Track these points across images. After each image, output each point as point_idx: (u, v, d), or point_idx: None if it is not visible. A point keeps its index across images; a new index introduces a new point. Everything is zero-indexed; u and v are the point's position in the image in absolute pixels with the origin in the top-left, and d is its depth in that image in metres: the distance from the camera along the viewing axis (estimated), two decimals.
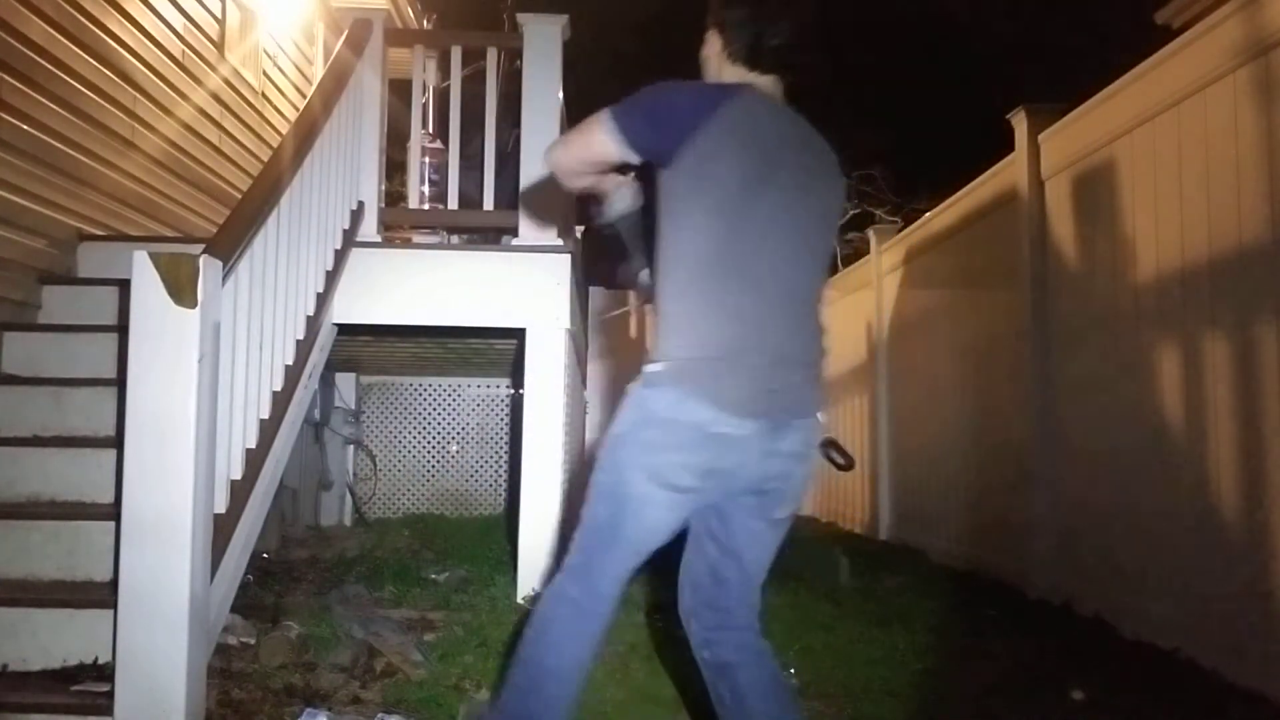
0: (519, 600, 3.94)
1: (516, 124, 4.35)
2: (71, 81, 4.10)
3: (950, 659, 3.53)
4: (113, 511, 2.66)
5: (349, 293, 4.07)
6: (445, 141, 4.46)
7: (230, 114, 5.66)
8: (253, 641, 3.18)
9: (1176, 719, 3.00)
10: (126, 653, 2.44)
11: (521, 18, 4.33)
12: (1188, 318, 3.62)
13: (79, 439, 3.30)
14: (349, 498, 6.52)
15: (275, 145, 3.86)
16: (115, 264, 3.49)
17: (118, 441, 2.62)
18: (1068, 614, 4.22)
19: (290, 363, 3.47)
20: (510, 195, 4.37)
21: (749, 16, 2.01)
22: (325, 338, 3.96)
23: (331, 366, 5.79)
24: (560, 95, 4.32)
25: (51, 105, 3.98)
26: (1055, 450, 4.55)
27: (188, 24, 5.10)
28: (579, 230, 5.69)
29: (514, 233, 4.32)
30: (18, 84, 3.79)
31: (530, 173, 4.16)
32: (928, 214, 6.54)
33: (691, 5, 2.10)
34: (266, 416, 3.22)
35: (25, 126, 3.84)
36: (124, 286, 2.62)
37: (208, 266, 2.55)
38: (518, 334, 4.27)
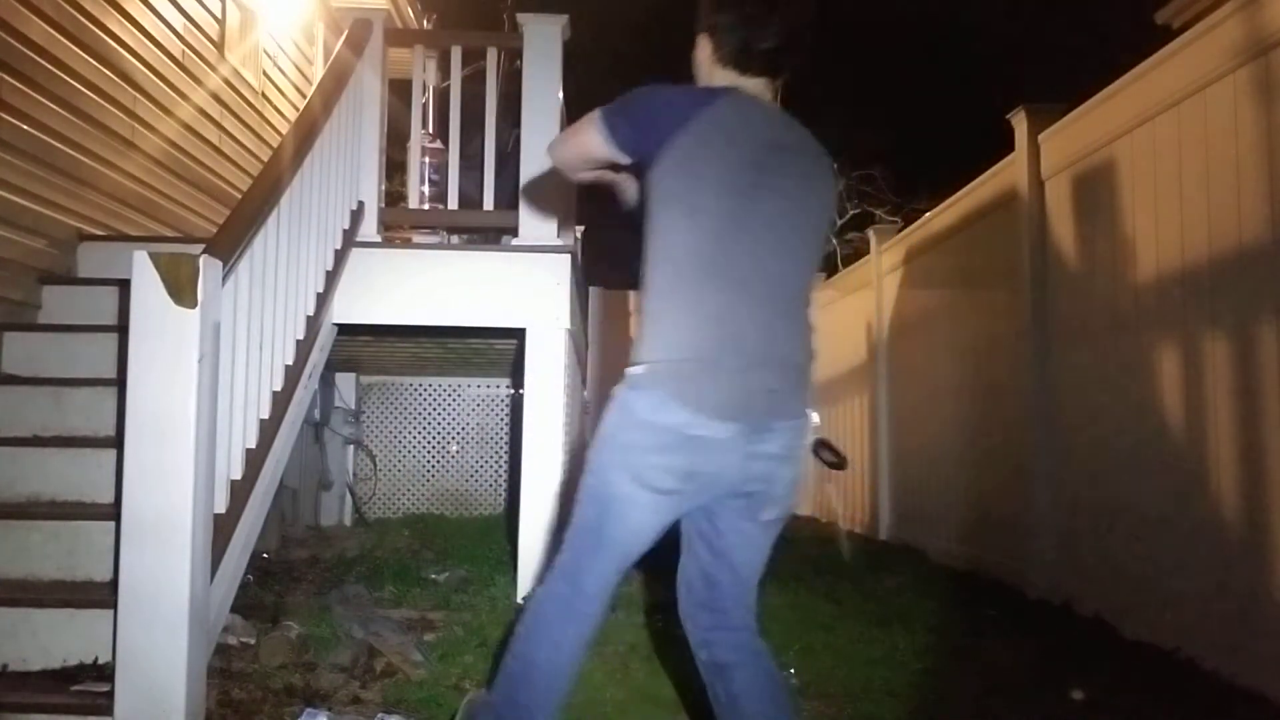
0: (519, 600, 3.94)
1: (516, 124, 4.35)
2: (71, 81, 4.10)
3: (950, 659, 3.53)
4: (113, 511, 2.65)
5: (349, 293, 4.07)
6: (445, 141, 4.46)
7: (230, 114, 5.66)
8: (253, 641, 3.18)
9: (1176, 719, 3.00)
10: (126, 653, 2.44)
11: (521, 18, 4.33)
12: (1188, 318, 3.62)
13: (79, 439, 3.30)
14: (349, 498, 6.52)
15: (275, 145, 3.86)
16: (115, 264, 3.49)
17: (118, 441, 2.62)
18: (1068, 614, 4.22)
19: (290, 363, 3.47)
20: (510, 195, 4.37)
21: (738, 21, 2.02)
22: (325, 338, 3.96)
23: (331, 366, 5.79)
24: (560, 95, 4.32)
25: (51, 105, 3.98)
26: (1055, 450, 4.55)
27: (188, 24, 5.10)
28: (579, 230, 5.70)
29: (514, 233, 4.32)
30: (18, 84, 3.79)
31: (530, 172, 4.16)
32: (928, 214, 6.54)
33: (691, 5, 2.10)
34: (266, 416, 3.22)
35: (25, 126, 3.84)
36: (124, 286, 2.62)
37: (208, 266, 2.55)
38: (518, 334, 4.27)
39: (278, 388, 3.33)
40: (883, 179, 14.06)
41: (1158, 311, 3.81)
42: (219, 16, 5.49)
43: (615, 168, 2.15)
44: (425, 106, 4.80)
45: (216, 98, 5.46)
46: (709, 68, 2.08)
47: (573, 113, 4.38)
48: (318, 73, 5.75)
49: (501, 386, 6.75)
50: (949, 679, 3.30)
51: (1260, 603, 3.18)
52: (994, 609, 4.34)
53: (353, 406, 6.56)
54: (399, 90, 4.86)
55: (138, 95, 4.61)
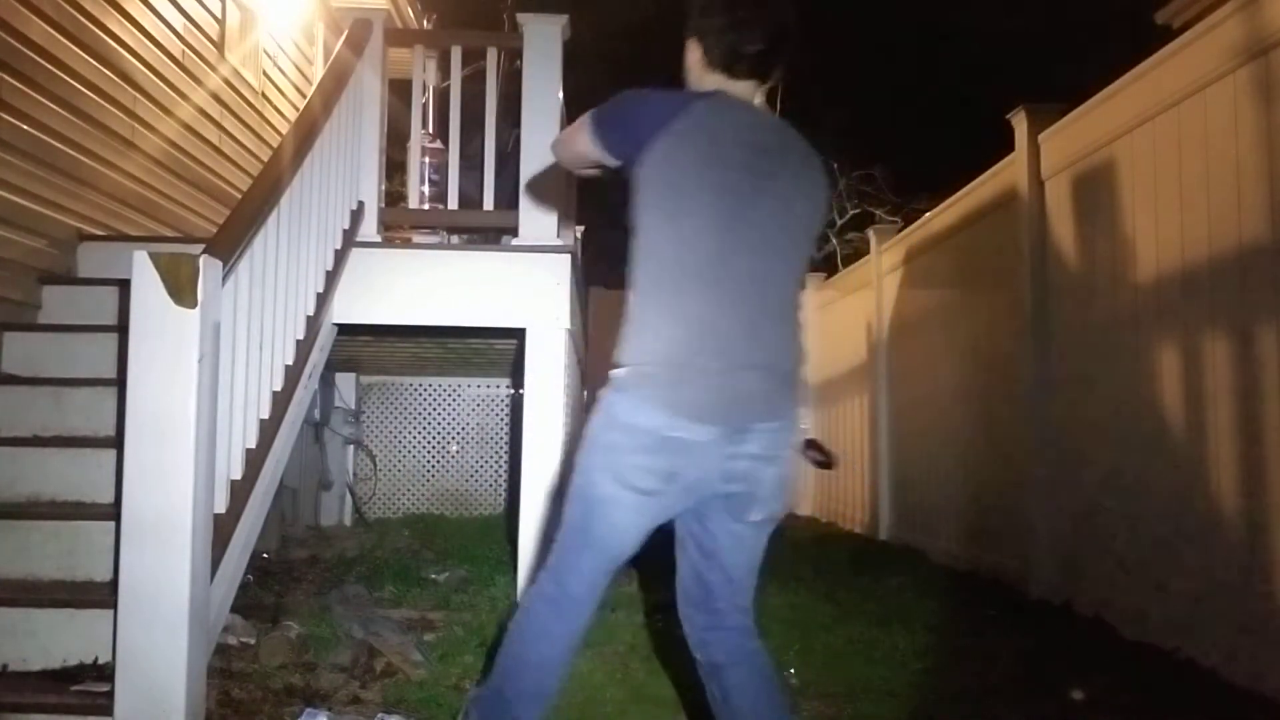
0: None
1: (516, 124, 4.35)
2: (71, 81, 4.10)
3: (950, 659, 3.53)
4: (113, 511, 2.65)
5: (349, 293, 4.07)
6: (445, 141, 4.46)
7: (230, 114, 5.66)
8: (253, 641, 3.18)
9: (1176, 719, 3.00)
10: (126, 653, 2.44)
11: (521, 18, 4.33)
12: (1188, 318, 3.62)
13: (79, 439, 3.30)
14: (349, 498, 6.52)
15: (275, 145, 3.86)
16: (115, 264, 3.48)
17: (118, 441, 2.62)
18: (1068, 614, 4.22)
19: (290, 363, 3.47)
20: (510, 195, 4.37)
21: (725, 25, 2.02)
22: (325, 338, 3.96)
23: (331, 366, 5.79)
24: (560, 95, 4.32)
25: (51, 105, 3.98)
26: (1055, 450, 4.55)
27: (188, 24, 5.10)
28: (579, 230, 5.70)
29: (514, 232, 4.31)
30: (18, 84, 3.79)
31: (530, 172, 4.16)
32: (928, 214, 6.54)
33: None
34: (266, 416, 3.22)
35: (25, 126, 3.84)
36: (124, 286, 2.62)
37: (208, 266, 2.55)
38: (518, 334, 4.27)
39: (278, 388, 3.33)
40: (883, 179, 14.05)
41: (1158, 311, 3.81)
42: (219, 16, 5.50)
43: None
44: (425, 106, 4.80)
45: (216, 98, 5.46)
46: (699, 72, 2.09)
47: (573, 113, 4.38)
48: (318, 73, 5.75)
49: (501, 386, 6.75)
50: (949, 679, 3.30)
51: (1259, 603, 3.18)
52: (994, 609, 4.34)
53: (353, 406, 6.57)
54: (399, 90, 4.86)
55: (138, 95, 4.61)
